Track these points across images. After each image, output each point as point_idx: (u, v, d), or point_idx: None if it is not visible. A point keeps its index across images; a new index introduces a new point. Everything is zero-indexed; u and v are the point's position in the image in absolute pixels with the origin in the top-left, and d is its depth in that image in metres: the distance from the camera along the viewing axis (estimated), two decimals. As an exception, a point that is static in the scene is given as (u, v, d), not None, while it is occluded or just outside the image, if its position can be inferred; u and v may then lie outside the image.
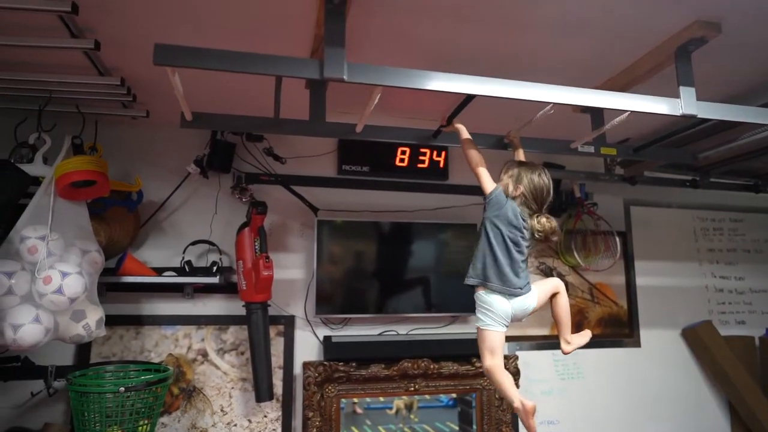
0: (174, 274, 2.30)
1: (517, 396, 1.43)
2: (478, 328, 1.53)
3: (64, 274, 1.73)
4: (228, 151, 2.41)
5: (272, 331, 2.39)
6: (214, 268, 2.33)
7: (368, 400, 2.76)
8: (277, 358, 2.42)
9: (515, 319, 1.54)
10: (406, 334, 2.61)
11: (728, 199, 3.28)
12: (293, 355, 2.47)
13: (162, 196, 2.41)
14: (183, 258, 2.35)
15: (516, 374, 2.63)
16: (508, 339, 2.64)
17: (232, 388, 2.39)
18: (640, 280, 3.06)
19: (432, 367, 2.51)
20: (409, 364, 2.48)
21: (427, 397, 2.76)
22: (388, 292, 2.59)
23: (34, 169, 1.89)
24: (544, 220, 1.54)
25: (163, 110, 2.15)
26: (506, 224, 1.51)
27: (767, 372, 3.08)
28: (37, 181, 1.87)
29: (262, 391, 2.22)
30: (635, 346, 2.99)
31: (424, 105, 2.15)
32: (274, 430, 2.40)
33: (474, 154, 1.62)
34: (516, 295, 1.51)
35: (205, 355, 2.39)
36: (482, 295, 1.53)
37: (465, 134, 1.68)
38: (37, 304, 1.72)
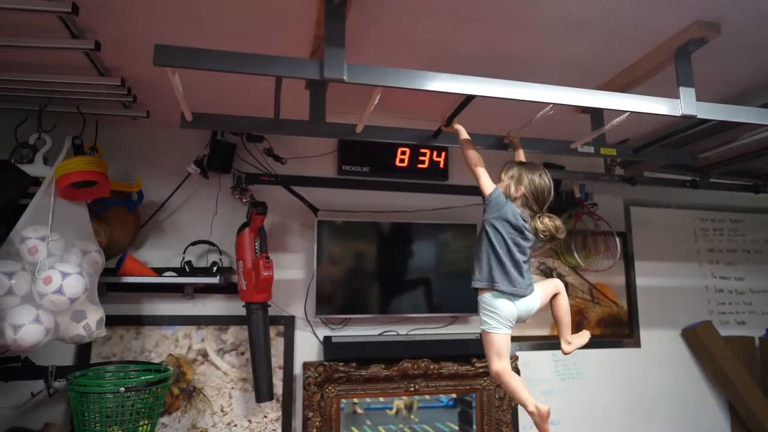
0: (174, 274, 2.31)
1: (531, 400, 1.38)
2: (483, 332, 1.51)
3: (65, 275, 1.73)
4: (228, 151, 2.42)
5: (272, 331, 2.39)
6: (215, 268, 2.33)
7: (368, 400, 2.76)
8: (277, 359, 2.42)
9: (519, 321, 1.53)
10: (406, 335, 2.62)
11: (728, 200, 3.28)
12: (293, 355, 2.47)
13: (162, 196, 2.41)
14: (183, 258, 2.36)
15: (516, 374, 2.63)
16: (508, 339, 2.64)
17: (232, 388, 2.39)
18: (640, 281, 3.06)
19: (432, 367, 2.51)
20: (409, 365, 2.48)
21: (427, 397, 2.76)
22: (388, 292, 2.59)
23: (34, 169, 1.89)
24: (546, 219, 1.53)
25: (163, 111, 2.15)
26: (507, 225, 1.50)
27: (767, 372, 3.07)
28: (37, 182, 1.87)
29: (262, 392, 2.22)
30: (635, 346, 2.99)
31: (424, 105, 2.15)
32: (274, 430, 2.40)
33: (473, 155, 1.61)
34: (522, 296, 1.51)
35: (205, 355, 2.39)
36: (488, 298, 1.50)
37: (464, 135, 1.68)
38: (38, 305, 1.72)
